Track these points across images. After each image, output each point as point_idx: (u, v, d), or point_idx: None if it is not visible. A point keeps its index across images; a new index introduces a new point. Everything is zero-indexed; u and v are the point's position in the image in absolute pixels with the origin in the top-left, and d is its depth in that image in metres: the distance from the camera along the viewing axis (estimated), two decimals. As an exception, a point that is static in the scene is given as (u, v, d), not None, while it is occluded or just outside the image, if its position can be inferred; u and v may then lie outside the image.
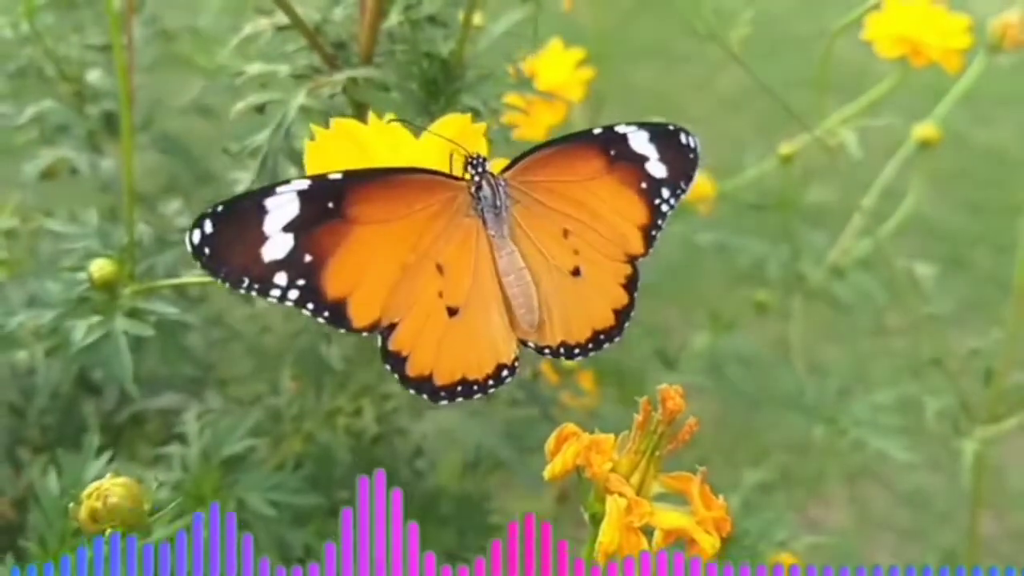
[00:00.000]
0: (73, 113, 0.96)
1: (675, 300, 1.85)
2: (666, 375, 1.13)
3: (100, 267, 0.57)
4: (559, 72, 1.05)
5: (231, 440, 0.66)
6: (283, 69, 0.63)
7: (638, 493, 0.43)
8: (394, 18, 0.66)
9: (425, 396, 0.48)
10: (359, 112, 0.63)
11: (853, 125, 0.87)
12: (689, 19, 0.81)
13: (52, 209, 0.91)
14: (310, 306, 0.45)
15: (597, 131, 0.51)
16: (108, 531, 0.45)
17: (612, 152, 0.51)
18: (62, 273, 0.62)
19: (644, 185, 0.51)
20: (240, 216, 0.45)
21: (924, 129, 1.05)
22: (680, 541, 0.42)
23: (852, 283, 1.03)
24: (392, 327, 0.47)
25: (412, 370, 0.47)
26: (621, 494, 0.42)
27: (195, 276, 0.65)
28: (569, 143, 0.52)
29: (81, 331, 0.59)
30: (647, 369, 1.15)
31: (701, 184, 1.12)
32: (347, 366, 0.76)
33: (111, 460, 0.81)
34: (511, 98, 0.68)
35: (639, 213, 0.51)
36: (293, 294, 0.45)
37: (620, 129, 0.52)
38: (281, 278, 0.45)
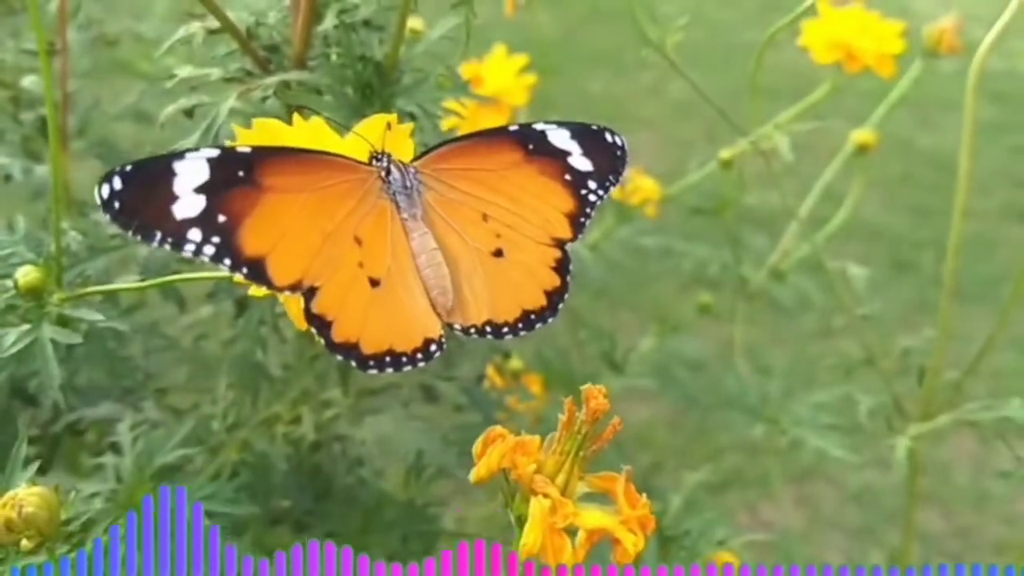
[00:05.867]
0: (8, 119, 0.95)
1: (623, 303, 1.86)
2: (614, 378, 1.14)
3: (25, 274, 0.56)
4: (503, 77, 1.05)
5: (164, 449, 0.66)
6: (215, 72, 0.63)
7: (563, 493, 0.43)
8: (329, 21, 0.66)
9: (353, 364, 0.49)
10: (292, 116, 0.62)
11: (789, 130, 0.88)
12: (641, 27, 0.82)
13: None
14: (227, 262, 0.47)
15: (513, 128, 0.54)
16: (24, 541, 0.44)
17: (530, 146, 0.53)
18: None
19: (568, 177, 0.53)
20: (149, 176, 0.46)
21: (861, 135, 1.06)
22: (604, 540, 0.42)
23: (791, 286, 1.04)
24: (314, 290, 0.48)
25: (338, 336, 0.48)
26: (545, 495, 0.42)
27: (127, 283, 0.64)
28: (483, 137, 0.54)
29: (10, 339, 0.58)
30: (595, 372, 1.16)
31: (647, 187, 1.13)
32: (285, 372, 0.75)
33: (44, 471, 0.80)
34: (452, 103, 0.68)
35: (564, 201, 0.53)
36: (209, 250, 0.46)
37: (538, 127, 0.54)
38: (195, 234, 0.46)
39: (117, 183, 0.45)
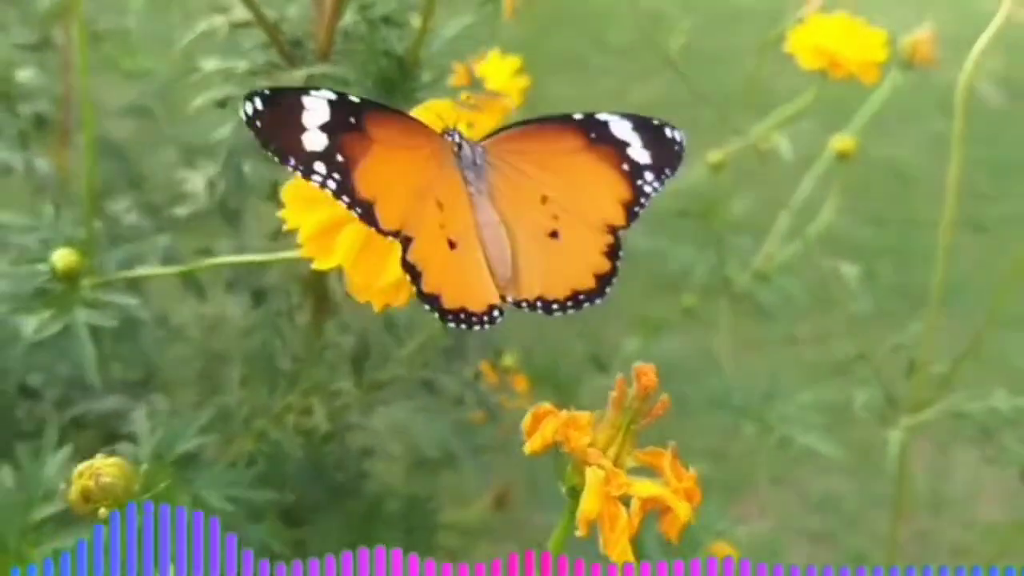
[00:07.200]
0: (3, 113, 0.95)
1: (608, 305, 1.88)
2: (599, 379, 1.16)
3: (63, 256, 0.56)
4: (498, 79, 1.07)
5: (184, 438, 0.66)
6: (241, 65, 0.64)
7: (615, 466, 0.45)
8: (349, 17, 0.67)
9: (436, 315, 0.52)
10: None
11: (775, 137, 0.91)
12: (605, 33, 0.84)
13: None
14: (345, 199, 0.50)
15: (577, 116, 0.56)
16: (102, 510, 0.45)
17: (592, 135, 0.55)
18: (16, 266, 0.61)
19: (626, 167, 0.55)
20: (282, 104, 0.50)
21: (842, 141, 1.09)
22: (656, 509, 0.44)
23: (776, 287, 1.07)
24: (409, 240, 0.52)
25: (425, 286, 0.52)
26: (600, 466, 0.43)
27: (150, 269, 0.64)
28: (547, 122, 0.56)
29: (32, 326, 0.58)
30: (580, 373, 1.18)
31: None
32: (296, 364, 0.76)
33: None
34: (464, 96, 0.69)
35: (620, 190, 0.55)
36: (331, 184, 0.50)
37: (601, 116, 0.56)
38: (320, 167, 0.50)
39: (258, 104, 0.49)
